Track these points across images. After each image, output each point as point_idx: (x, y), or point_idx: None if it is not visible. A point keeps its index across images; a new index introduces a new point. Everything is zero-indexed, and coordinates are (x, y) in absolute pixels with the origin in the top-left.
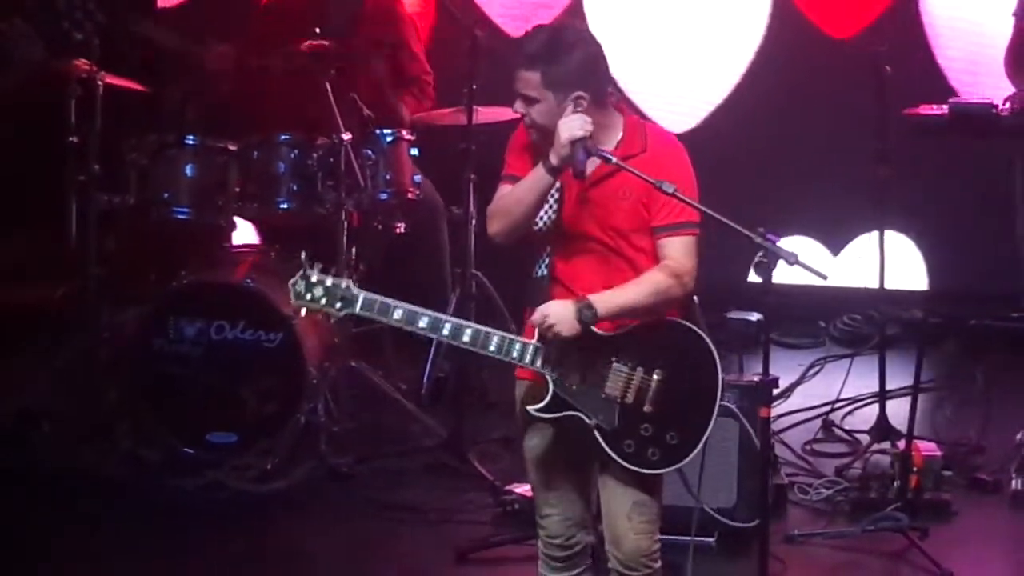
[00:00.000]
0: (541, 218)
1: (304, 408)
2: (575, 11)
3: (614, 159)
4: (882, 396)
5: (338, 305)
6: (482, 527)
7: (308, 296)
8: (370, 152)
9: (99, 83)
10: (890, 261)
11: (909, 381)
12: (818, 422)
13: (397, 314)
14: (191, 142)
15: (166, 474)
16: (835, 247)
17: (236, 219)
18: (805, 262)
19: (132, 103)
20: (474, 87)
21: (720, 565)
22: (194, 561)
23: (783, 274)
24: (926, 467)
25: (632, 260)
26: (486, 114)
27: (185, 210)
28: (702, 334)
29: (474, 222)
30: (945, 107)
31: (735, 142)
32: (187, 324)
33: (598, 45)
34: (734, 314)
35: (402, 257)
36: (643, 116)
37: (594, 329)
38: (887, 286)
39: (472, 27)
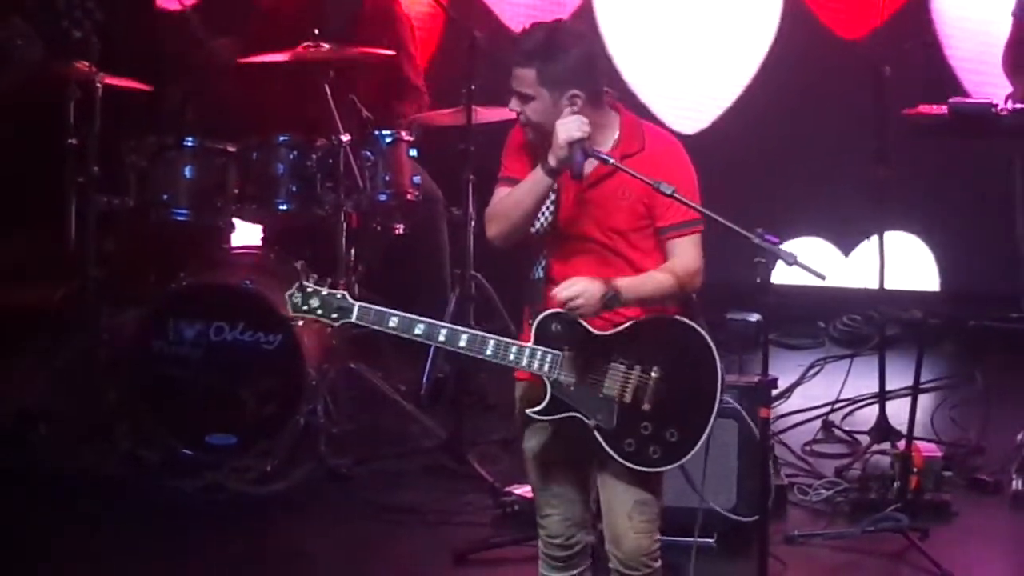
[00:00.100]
0: (538, 220)
1: (303, 410)
2: (585, 13)
3: (612, 160)
4: (882, 397)
5: (334, 315)
6: (481, 528)
7: (305, 307)
8: (369, 153)
9: (98, 85)
10: (902, 262)
11: (909, 382)
12: (818, 423)
13: (392, 322)
14: (190, 144)
15: (165, 475)
16: (846, 248)
17: (240, 220)
18: (804, 262)
19: (131, 105)
20: (473, 88)
21: (720, 566)
22: (193, 562)
23: (782, 275)
24: (926, 468)
25: (631, 260)
26: (485, 115)
27: (184, 212)
28: (700, 330)
29: (473, 223)
30: (944, 107)
31: (746, 143)
32: (186, 326)
33: (595, 44)
34: (734, 314)
35: (401, 258)
36: (654, 118)
37: (590, 328)
38: (898, 287)
39: (471, 28)
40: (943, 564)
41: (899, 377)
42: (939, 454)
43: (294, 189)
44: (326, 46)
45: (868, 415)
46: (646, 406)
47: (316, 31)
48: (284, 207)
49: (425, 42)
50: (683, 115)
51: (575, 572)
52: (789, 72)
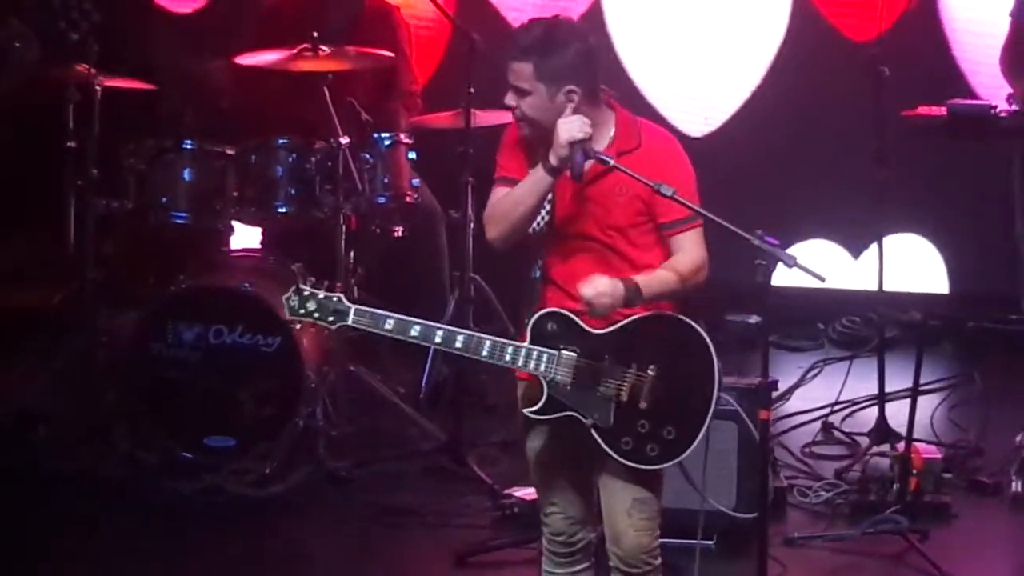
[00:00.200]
0: (536, 220)
1: (302, 412)
2: (595, 16)
3: (612, 162)
4: (881, 398)
5: (331, 318)
6: (481, 531)
7: (302, 310)
8: (368, 156)
9: (97, 88)
10: (912, 265)
11: (908, 383)
12: (817, 425)
13: (388, 324)
14: (189, 147)
15: (164, 477)
16: (855, 250)
17: (239, 223)
18: (804, 264)
19: (130, 108)
20: (472, 91)
21: (719, 567)
22: (192, 564)
23: (782, 276)
24: (926, 469)
25: (630, 257)
26: (484, 117)
27: (183, 214)
28: (696, 326)
29: (472, 225)
30: (943, 108)
31: (755, 145)
32: (185, 328)
33: (593, 41)
34: (733, 316)
35: (400, 261)
36: (663, 120)
37: (586, 327)
38: (908, 290)
39: (469, 31)
40: (943, 566)
41: (898, 379)
42: (939, 456)
43: (293, 192)
44: (325, 48)
45: (868, 417)
46: (643, 404)
47: (315, 34)
48: (283, 210)
49: (431, 50)
50: (692, 117)
51: (577, 569)
52: (798, 74)
